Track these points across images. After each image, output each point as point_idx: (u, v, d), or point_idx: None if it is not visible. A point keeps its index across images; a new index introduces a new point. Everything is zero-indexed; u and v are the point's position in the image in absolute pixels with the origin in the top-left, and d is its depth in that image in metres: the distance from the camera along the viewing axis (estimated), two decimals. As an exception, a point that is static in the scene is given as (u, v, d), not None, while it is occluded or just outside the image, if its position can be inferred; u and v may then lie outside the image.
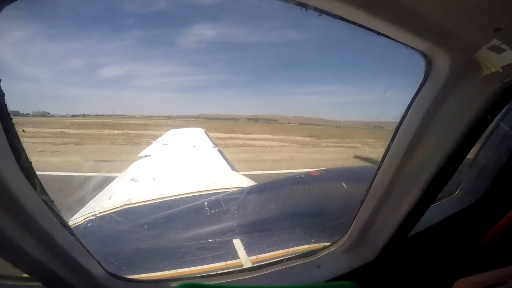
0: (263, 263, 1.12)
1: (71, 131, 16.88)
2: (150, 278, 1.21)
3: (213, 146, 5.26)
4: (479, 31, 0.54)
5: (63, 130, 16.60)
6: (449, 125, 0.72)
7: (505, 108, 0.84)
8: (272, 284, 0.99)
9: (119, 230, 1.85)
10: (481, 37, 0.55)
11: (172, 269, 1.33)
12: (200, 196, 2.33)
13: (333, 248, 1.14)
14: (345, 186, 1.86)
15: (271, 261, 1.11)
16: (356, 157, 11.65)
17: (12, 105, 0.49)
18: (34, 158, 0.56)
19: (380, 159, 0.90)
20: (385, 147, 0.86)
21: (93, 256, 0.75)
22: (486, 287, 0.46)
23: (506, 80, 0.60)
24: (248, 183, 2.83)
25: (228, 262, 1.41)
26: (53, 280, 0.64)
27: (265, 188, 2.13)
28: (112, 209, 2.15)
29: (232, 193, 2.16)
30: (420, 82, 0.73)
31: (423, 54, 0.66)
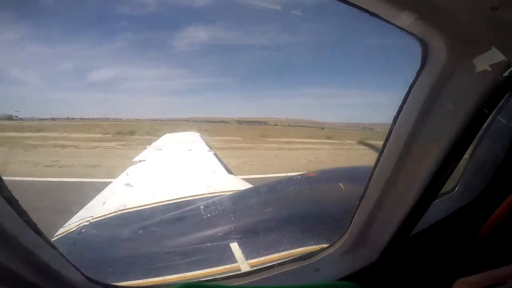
0: (261, 266, 1.09)
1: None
2: (137, 285, 1.17)
3: (209, 150, 5.22)
4: (475, 12, 0.51)
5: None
6: (447, 116, 0.69)
7: (502, 101, 0.82)
8: None
9: (113, 236, 1.81)
10: (478, 18, 0.52)
11: (168, 274, 1.29)
12: (196, 200, 2.29)
13: (331, 250, 1.11)
14: (342, 186, 1.86)
15: (269, 264, 1.09)
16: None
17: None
18: None
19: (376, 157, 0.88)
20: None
21: (68, 260, 0.72)
22: (486, 287, 0.46)
23: (507, 69, 0.57)
24: (244, 185, 2.81)
25: (226, 266, 1.38)
26: (23, 286, 0.61)
27: (261, 191, 2.11)
28: (106, 214, 2.10)
29: (228, 196, 2.13)
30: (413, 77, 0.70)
31: (419, 39, 0.63)
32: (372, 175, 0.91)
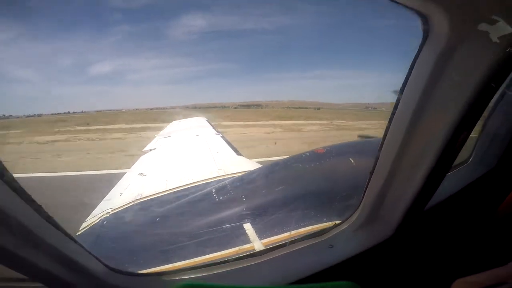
0: (275, 244, 1.11)
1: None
2: (160, 271, 1.23)
3: (216, 133, 5.23)
4: None
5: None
6: (455, 86, 0.67)
7: None
8: (285, 266, 0.98)
9: (133, 225, 1.90)
10: None
11: (186, 259, 1.35)
12: (208, 184, 2.34)
13: (345, 226, 1.09)
14: (352, 161, 1.82)
15: (283, 242, 1.10)
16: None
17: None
18: None
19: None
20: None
21: (89, 252, 0.75)
22: (485, 287, 0.45)
23: None
24: (253, 166, 2.82)
25: (240, 247, 1.42)
26: (52, 280, 0.65)
27: (270, 170, 2.11)
28: (125, 205, 2.19)
29: (238, 178, 2.15)
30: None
31: (418, 12, 0.61)
32: (381, 147, 0.87)
